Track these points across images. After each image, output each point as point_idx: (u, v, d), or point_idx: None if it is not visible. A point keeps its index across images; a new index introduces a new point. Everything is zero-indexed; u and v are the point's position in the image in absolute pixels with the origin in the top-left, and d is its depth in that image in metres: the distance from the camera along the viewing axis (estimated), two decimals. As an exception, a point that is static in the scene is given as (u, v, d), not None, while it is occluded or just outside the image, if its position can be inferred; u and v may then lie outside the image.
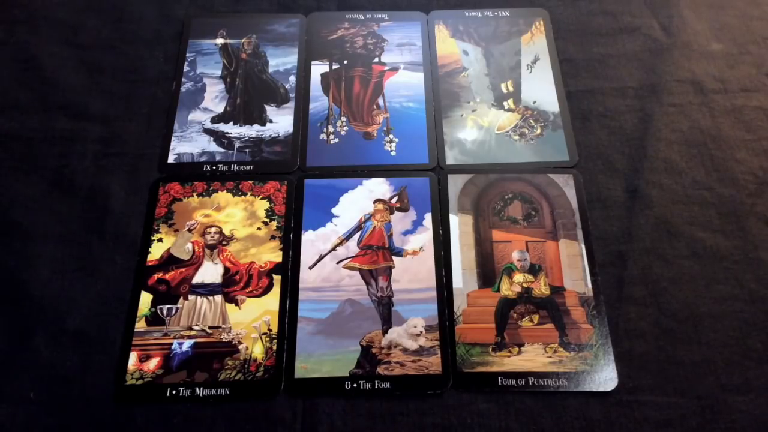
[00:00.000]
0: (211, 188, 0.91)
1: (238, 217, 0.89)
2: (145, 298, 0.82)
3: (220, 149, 0.95)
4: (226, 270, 0.85)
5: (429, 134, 0.96)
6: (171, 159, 0.93)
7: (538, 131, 0.96)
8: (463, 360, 0.78)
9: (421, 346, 0.79)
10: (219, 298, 0.83)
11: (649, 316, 0.81)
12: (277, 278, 0.84)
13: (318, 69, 1.03)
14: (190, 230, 0.88)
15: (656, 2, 1.09)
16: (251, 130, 0.97)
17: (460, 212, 0.89)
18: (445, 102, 0.99)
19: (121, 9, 1.08)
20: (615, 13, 1.08)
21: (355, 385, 0.76)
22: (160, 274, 0.84)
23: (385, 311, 0.82)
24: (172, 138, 0.95)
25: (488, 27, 1.07)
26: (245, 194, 0.91)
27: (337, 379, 0.76)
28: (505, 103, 0.99)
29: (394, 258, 0.86)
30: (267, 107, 0.99)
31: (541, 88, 1.00)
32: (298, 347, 0.79)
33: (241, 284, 0.84)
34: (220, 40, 1.05)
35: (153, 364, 0.78)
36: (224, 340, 0.80)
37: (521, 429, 0.74)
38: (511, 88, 1.01)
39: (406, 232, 0.88)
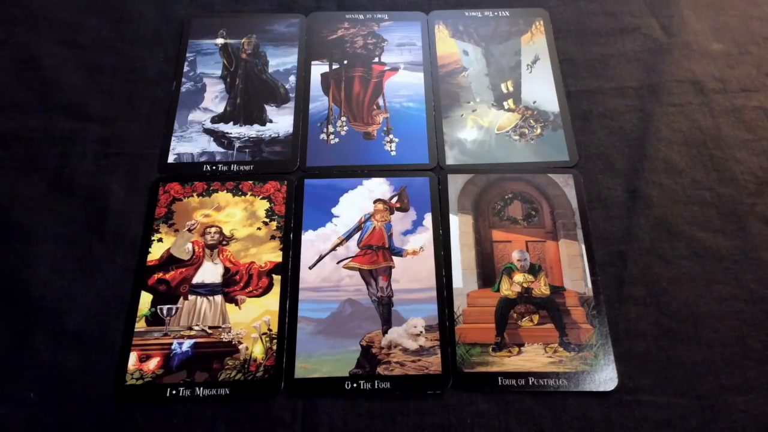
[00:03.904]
0: (211, 188, 0.91)
1: (238, 217, 0.89)
2: (145, 298, 0.82)
3: (220, 149, 0.95)
4: (226, 270, 0.85)
5: (429, 134, 0.96)
6: (171, 159, 0.93)
7: (538, 131, 0.96)
8: (463, 360, 0.78)
9: (421, 346, 0.79)
10: (219, 298, 0.83)
11: (649, 316, 0.81)
12: (277, 278, 0.84)
13: (318, 69, 1.03)
14: (190, 230, 0.88)
15: (656, 2, 1.09)
16: (251, 130, 0.97)
17: (460, 212, 0.89)
18: (445, 102, 0.99)
19: (121, 9, 1.08)
20: (615, 13, 1.08)
21: (355, 385, 0.76)
22: (160, 274, 0.84)
23: (385, 311, 0.82)
24: (172, 138, 0.95)
25: (488, 27, 1.07)
26: (245, 194, 0.91)
27: (337, 379, 0.76)
28: (505, 103, 0.99)
29: (394, 258, 0.86)
30: (267, 107, 0.99)
31: (541, 88, 1.00)
32: (298, 347, 0.79)
33: (241, 284, 0.84)
34: (220, 40, 1.05)
35: (153, 364, 0.78)
36: (224, 340, 0.80)
37: (521, 429, 0.74)
38: (511, 88, 1.01)
39: (406, 232, 0.88)
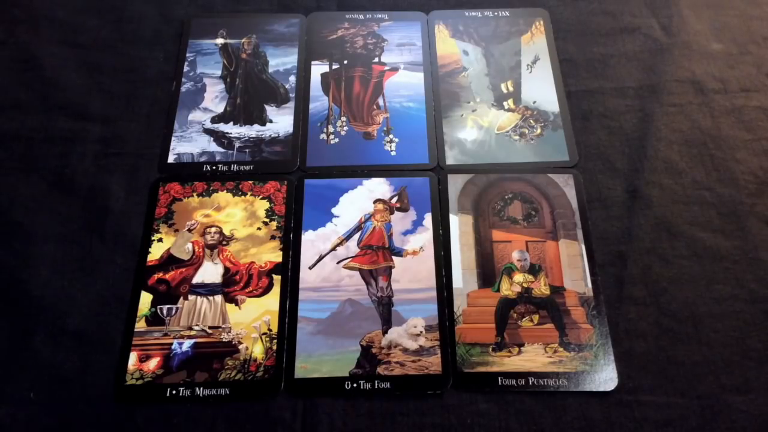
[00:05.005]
0: (211, 188, 0.91)
1: (238, 217, 0.89)
2: (145, 298, 0.82)
3: (220, 149, 0.95)
4: (226, 270, 0.85)
5: (429, 134, 0.96)
6: (171, 159, 0.93)
7: (538, 131, 0.96)
8: (463, 360, 0.78)
9: (421, 346, 0.79)
10: (219, 298, 0.83)
11: (649, 316, 0.81)
12: (277, 278, 0.84)
13: (318, 69, 1.03)
14: (190, 230, 0.88)
15: (656, 2, 1.09)
16: (251, 130, 0.97)
17: (460, 212, 0.89)
18: (445, 102, 0.99)
19: (121, 9, 1.08)
20: (615, 13, 1.08)
21: (355, 385, 0.76)
22: (160, 274, 0.84)
23: (385, 311, 0.82)
24: (172, 138, 0.95)
25: (488, 27, 1.07)
26: (245, 194, 0.91)
27: (337, 379, 0.76)
28: (505, 103, 0.99)
29: (394, 258, 0.86)
30: (267, 107, 0.99)
31: (541, 88, 1.00)
32: (298, 347, 0.79)
33: (241, 284, 0.84)
34: (220, 40, 1.05)
35: (153, 364, 0.78)
36: (224, 340, 0.80)
37: (521, 429, 0.74)
38: (511, 88, 1.01)
39: (406, 232, 0.88)
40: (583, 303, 0.82)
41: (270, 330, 0.80)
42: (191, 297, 0.83)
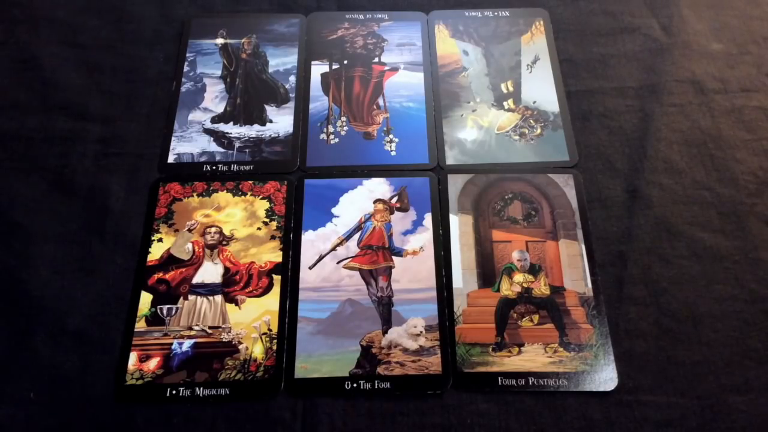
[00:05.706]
0: (211, 188, 0.91)
1: (238, 217, 0.89)
2: (145, 298, 0.82)
3: (220, 149, 0.95)
4: (226, 270, 0.85)
5: (429, 134, 0.96)
6: (171, 159, 0.93)
7: (538, 131, 0.96)
8: (463, 360, 0.78)
9: (421, 346, 0.79)
10: (219, 298, 0.83)
11: (649, 316, 0.81)
12: (277, 278, 0.84)
13: (318, 69, 1.03)
14: (190, 230, 0.88)
15: (656, 2, 1.09)
16: (251, 130, 0.97)
17: (460, 212, 0.89)
18: (445, 102, 0.99)
19: (121, 9, 1.08)
20: (615, 13, 1.08)
21: (355, 385, 0.76)
22: (160, 274, 0.84)
23: (385, 311, 0.82)
24: (172, 138, 0.95)
25: (488, 27, 1.07)
26: (245, 194, 0.91)
27: (337, 379, 0.76)
28: (505, 103, 0.99)
29: (394, 258, 0.86)
30: (267, 107, 0.99)
31: (541, 88, 1.00)
32: (298, 347, 0.79)
33: (241, 284, 0.84)
34: (220, 40, 1.05)
35: (153, 364, 0.78)
36: (224, 340, 0.80)
37: (521, 429, 0.74)
38: (511, 88, 1.01)
39: (406, 232, 0.88)
40: (583, 303, 0.82)
41: (270, 330, 0.80)
42: (191, 297, 0.83)
